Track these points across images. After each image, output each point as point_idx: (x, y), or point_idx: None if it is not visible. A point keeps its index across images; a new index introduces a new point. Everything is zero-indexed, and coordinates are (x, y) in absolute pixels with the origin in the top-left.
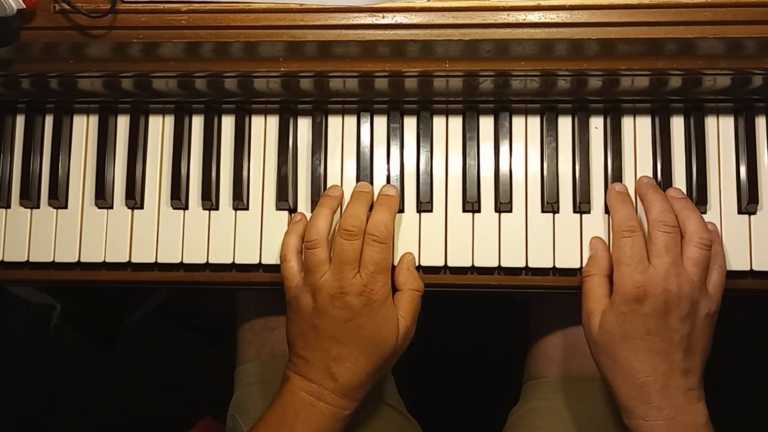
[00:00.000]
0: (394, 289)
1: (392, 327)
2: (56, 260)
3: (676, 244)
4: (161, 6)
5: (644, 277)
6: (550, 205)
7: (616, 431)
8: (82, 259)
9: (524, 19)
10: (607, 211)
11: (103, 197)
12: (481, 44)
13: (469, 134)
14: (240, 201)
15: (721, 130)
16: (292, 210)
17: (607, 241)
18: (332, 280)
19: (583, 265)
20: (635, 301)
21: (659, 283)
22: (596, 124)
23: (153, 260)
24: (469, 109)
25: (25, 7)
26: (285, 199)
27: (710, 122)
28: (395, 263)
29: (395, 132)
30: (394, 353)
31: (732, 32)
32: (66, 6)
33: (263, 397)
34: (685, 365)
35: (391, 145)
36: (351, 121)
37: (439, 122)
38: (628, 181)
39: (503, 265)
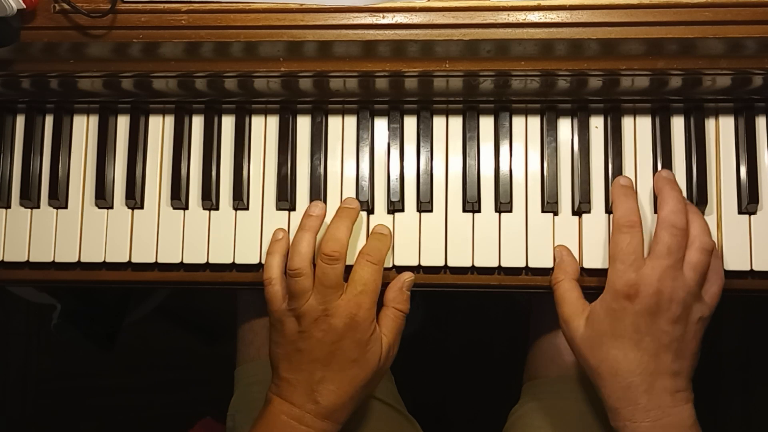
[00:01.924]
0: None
1: (376, 349)
2: (56, 260)
3: (679, 247)
4: (161, 6)
5: (637, 276)
6: (551, 205)
7: None
8: (83, 259)
9: (524, 19)
10: (607, 210)
11: (103, 197)
12: (481, 44)
13: (469, 134)
14: (240, 201)
15: (721, 130)
16: (293, 210)
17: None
18: (316, 304)
19: (584, 265)
20: (626, 298)
21: (653, 283)
22: (596, 123)
23: (153, 260)
24: (469, 109)
25: (25, 7)
26: (285, 199)
27: (710, 122)
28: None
29: (395, 132)
30: (377, 374)
31: (732, 32)
32: (66, 6)
33: (263, 397)
34: (673, 367)
35: (391, 145)
36: (351, 121)
37: (439, 122)
38: None
39: (503, 265)
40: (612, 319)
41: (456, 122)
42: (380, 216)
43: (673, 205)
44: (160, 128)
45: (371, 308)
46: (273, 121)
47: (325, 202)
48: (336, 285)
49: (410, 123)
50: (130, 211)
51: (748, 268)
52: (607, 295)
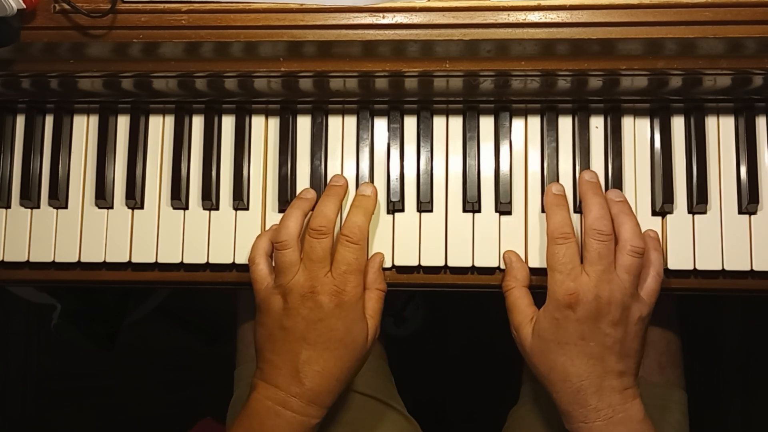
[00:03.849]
0: None
1: (362, 329)
2: (56, 260)
3: (609, 251)
4: (161, 6)
5: (576, 284)
6: None
7: None
8: (83, 259)
9: (524, 19)
10: None
11: (103, 197)
12: (481, 44)
13: (470, 134)
14: (240, 201)
15: (721, 130)
16: None
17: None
18: (303, 280)
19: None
20: (567, 307)
21: (591, 290)
22: (596, 123)
23: (153, 260)
24: (470, 109)
25: (25, 7)
26: (285, 199)
27: (710, 122)
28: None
29: (395, 132)
30: (362, 356)
31: (732, 32)
32: (66, 6)
33: None
34: (619, 367)
35: (391, 145)
36: (351, 121)
37: (439, 122)
38: (629, 181)
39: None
40: (556, 327)
41: (456, 122)
42: (380, 216)
43: (596, 211)
44: (160, 128)
45: (358, 286)
46: (273, 121)
47: None
48: (323, 260)
49: (410, 123)
50: (130, 211)
51: (748, 268)
52: (549, 305)
